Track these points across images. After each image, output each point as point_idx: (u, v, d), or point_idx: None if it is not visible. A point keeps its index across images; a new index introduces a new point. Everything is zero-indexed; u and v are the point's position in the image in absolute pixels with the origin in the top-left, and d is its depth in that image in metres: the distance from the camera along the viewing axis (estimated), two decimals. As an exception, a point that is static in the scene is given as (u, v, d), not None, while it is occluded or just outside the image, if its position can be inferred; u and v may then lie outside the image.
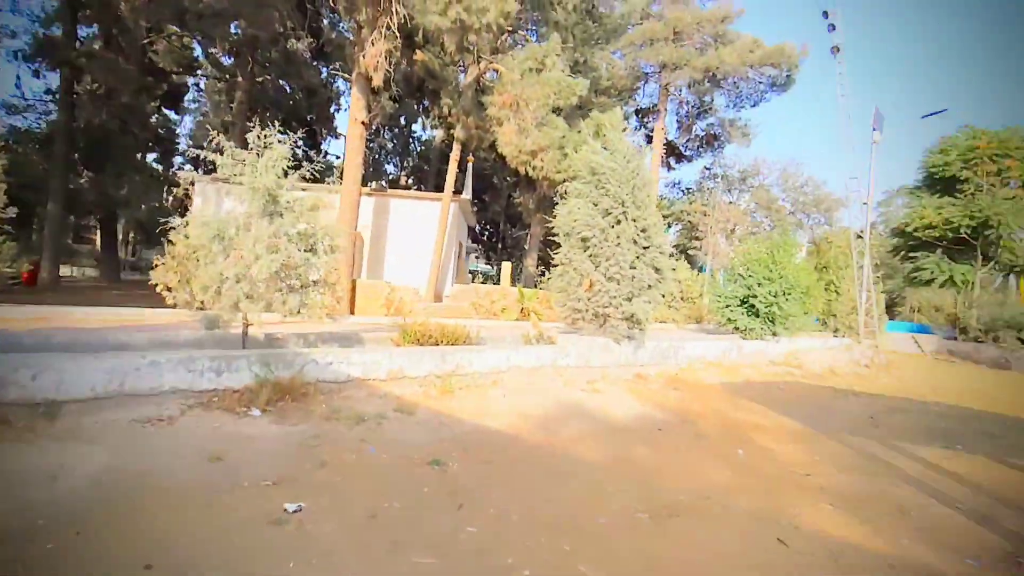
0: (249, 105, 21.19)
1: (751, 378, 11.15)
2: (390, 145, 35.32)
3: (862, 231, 20.17)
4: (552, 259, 9.69)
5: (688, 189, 32.26)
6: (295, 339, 7.91)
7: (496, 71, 13.26)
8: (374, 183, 19.61)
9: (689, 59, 20.73)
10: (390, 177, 35.97)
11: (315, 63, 23.82)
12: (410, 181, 35.36)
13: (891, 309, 24.98)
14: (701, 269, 27.04)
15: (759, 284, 13.89)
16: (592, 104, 20.80)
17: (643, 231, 8.97)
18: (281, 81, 24.00)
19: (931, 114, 35.01)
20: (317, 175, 6.59)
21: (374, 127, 27.33)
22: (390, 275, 17.99)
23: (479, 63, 13.58)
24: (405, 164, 36.64)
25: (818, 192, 28.13)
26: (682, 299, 18.05)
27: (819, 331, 19.82)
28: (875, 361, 14.94)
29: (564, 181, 10.17)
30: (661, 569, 3.04)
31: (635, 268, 8.84)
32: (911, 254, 24.39)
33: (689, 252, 27.85)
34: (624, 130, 10.24)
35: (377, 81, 11.33)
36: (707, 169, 29.81)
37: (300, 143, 6.39)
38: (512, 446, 4.95)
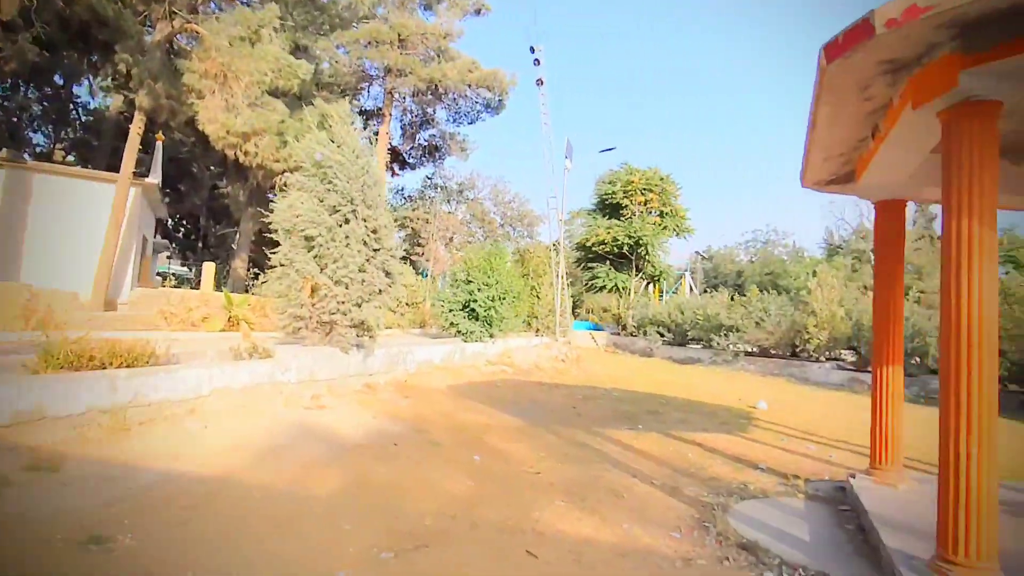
0: None
1: (473, 379, 11.67)
2: (37, 108, 26.82)
3: (557, 244, 23.45)
4: (268, 260, 8.43)
5: (411, 196, 32.94)
6: None
7: (197, 34, 11.06)
8: (3, 150, 14.40)
9: (414, 68, 21.07)
10: (38, 150, 27.37)
11: None
12: (70, 158, 27.50)
13: (574, 311, 29.71)
14: (423, 275, 27.81)
15: (479, 289, 14.75)
16: (314, 96, 19.38)
17: (374, 232, 8.48)
18: None
19: (605, 150, 43.16)
20: None
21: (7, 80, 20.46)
22: (31, 275, 13.49)
23: (171, 20, 11.13)
24: (63, 135, 28.29)
25: (523, 208, 31.97)
26: (407, 304, 18.08)
27: (524, 331, 22.29)
28: (569, 356, 17.39)
29: (284, 172, 8.96)
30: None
31: (365, 271, 8.28)
32: (589, 264, 29.46)
33: (412, 258, 28.34)
34: (352, 123, 9.61)
35: (7, 9, 8.20)
36: (428, 179, 31.00)
37: None
38: (219, 494, 3.90)
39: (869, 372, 12.76)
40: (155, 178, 15.83)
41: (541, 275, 22.75)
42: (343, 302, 8.00)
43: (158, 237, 23.77)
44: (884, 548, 3.28)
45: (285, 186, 8.45)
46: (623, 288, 28.67)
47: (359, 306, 8.14)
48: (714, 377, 16.94)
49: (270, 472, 4.49)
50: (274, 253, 8.16)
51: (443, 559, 3.28)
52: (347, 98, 25.11)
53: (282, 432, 5.65)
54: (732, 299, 23.82)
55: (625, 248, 27.31)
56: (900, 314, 4.83)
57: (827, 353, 19.28)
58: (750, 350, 21.04)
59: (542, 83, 17.20)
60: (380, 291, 8.64)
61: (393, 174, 27.94)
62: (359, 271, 8.19)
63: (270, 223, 8.17)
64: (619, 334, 27.86)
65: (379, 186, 8.67)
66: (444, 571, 3.14)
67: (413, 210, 29.19)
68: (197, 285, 20.62)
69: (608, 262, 29.31)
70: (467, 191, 31.67)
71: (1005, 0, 2.45)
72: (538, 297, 22.02)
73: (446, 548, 3.44)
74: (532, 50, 16.97)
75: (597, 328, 28.89)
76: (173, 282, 21.01)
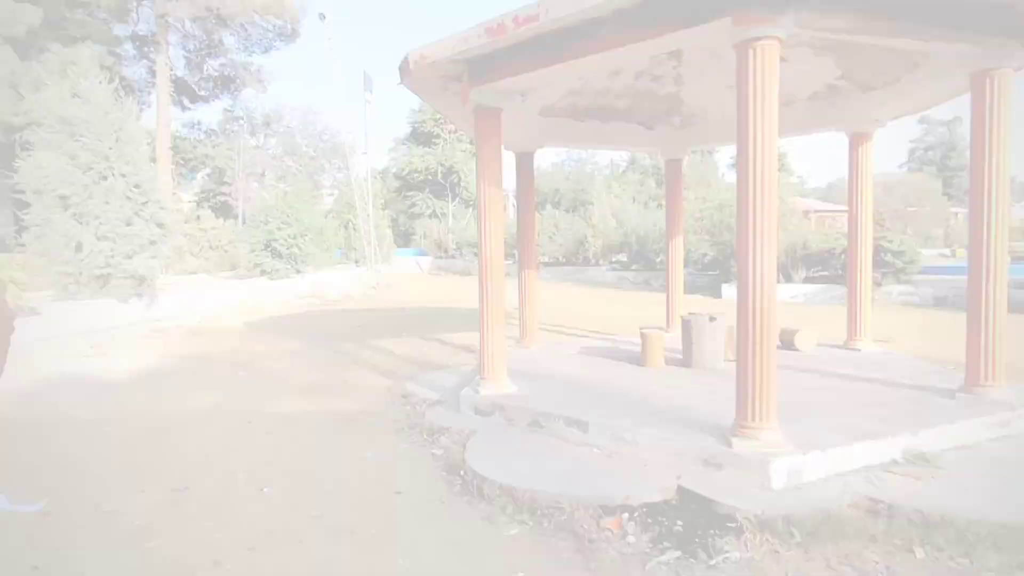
0: None
1: (274, 314, 12.64)
2: None
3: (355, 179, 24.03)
4: (23, 220, 8.49)
5: (212, 131, 30.56)
6: None
7: None
8: None
9: (184, -8, 19.41)
10: None
11: None
12: None
13: (408, 238, 30.84)
14: (237, 216, 26.72)
15: (279, 229, 15.34)
16: (64, 26, 17.24)
17: (136, 187, 8.88)
18: None
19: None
20: None
21: None
22: None
23: None
24: None
25: (336, 140, 31.38)
26: (211, 248, 17.94)
27: (341, 263, 23.15)
28: (380, 283, 18.84)
29: (27, 126, 8.77)
30: (189, 465, 4.03)
31: (132, 225, 8.76)
32: (407, 193, 30.49)
33: (219, 198, 26.98)
34: (112, 68, 9.48)
35: None
36: (228, 111, 28.89)
37: None
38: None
39: (634, 271, 15.98)
40: None
41: (357, 208, 23.39)
42: (112, 256, 8.49)
43: None
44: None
45: (27, 144, 8.39)
46: (442, 214, 30.34)
47: (130, 258, 8.68)
48: (510, 289, 19.53)
49: (37, 408, 5.45)
50: (26, 214, 8.26)
51: (185, 436, 4.71)
52: (112, 21, 22.36)
53: (48, 379, 6.46)
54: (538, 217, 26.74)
55: (439, 175, 28.69)
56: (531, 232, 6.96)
57: (606, 258, 23.01)
58: (547, 261, 24.23)
59: (324, 17, 17.18)
60: (153, 242, 9.18)
61: (184, 108, 25.77)
62: (126, 225, 8.66)
63: (16, 183, 8.20)
64: (442, 257, 29.80)
65: (136, 141, 8.94)
66: (180, 443, 4.57)
67: (214, 147, 27.38)
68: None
69: (427, 189, 30.58)
70: (274, 123, 30.22)
71: (470, 53, 4.16)
72: (355, 229, 22.83)
73: (185, 430, 4.86)
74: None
75: (423, 254, 30.45)
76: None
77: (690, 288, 17.94)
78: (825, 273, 15.54)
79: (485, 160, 4.71)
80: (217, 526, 3.17)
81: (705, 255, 18.41)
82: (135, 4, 21.75)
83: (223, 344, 9.06)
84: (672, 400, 4.43)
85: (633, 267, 21.33)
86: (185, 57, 24.31)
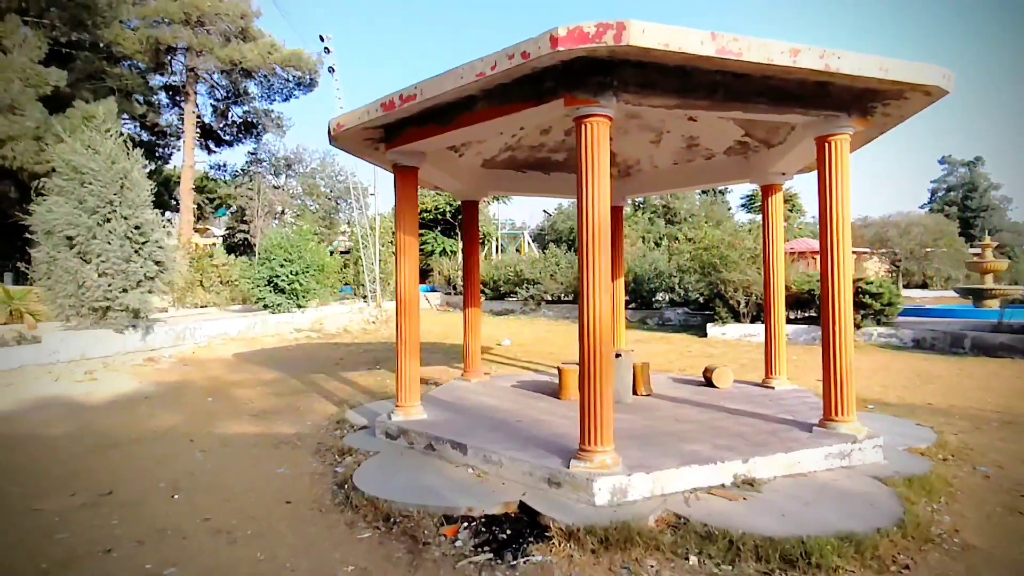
0: None
1: (268, 346, 13.38)
2: None
3: (372, 218, 25.15)
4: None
5: (238, 173, 32.40)
6: None
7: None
8: None
9: (212, 48, 21.15)
10: None
11: None
12: None
13: (425, 275, 31.64)
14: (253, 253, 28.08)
15: (280, 266, 16.27)
16: (105, 76, 19.00)
17: (137, 228, 9.81)
18: None
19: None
20: None
21: None
22: None
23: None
24: None
25: (351, 180, 32.86)
26: (221, 283, 18.98)
27: (350, 299, 24.07)
28: (379, 318, 19.58)
29: (48, 174, 9.84)
30: (123, 475, 4.62)
31: (131, 263, 9.65)
32: (420, 231, 31.58)
33: (240, 235, 28.44)
34: (146, 116, 10.58)
35: None
36: (252, 154, 30.71)
37: None
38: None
39: (631, 309, 16.38)
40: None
41: (367, 246, 24.42)
42: (109, 290, 9.36)
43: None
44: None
45: (44, 189, 9.42)
46: (452, 252, 31.26)
47: (125, 292, 9.54)
48: (511, 324, 20.04)
49: (14, 426, 6.15)
50: (37, 252, 9.23)
51: (131, 451, 5.31)
52: (148, 71, 24.31)
53: (35, 401, 7.20)
54: (542, 255, 27.41)
55: (448, 215, 29.71)
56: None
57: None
58: (549, 298, 24.74)
59: (333, 71, 18.54)
60: (152, 277, 10.05)
61: (210, 151, 27.56)
62: (125, 262, 9.55)
63: (29, 225, 9.20)
64: (451, 294, 30.56)
65: (139, 187, 9.92)
66: (124, 457, 5.17)
67: (237, 187, 29.06)
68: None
69: (439, 228, 31.64)
70: (295, 165, 31.94)
71: (374, 123, 4.85)
72: (363, 266, 23.80)
73: (137, 446, 5.46)
74: (322, 39, 18.17)
75: (432, 290, 31.29)
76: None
77: (684, 327, 18.24)
78: (808, 314, 15.70)
79: (402, 211, 5.36)
80: (120, 524, 3.72)
81: (701, 295, 18.68)
82: (169, 58, 23.64)
83: (206, 372, 9.76)
84: (555, 428, 4.86)
85: (631, 306, 21.66)
86: (212, 105, 26.19)
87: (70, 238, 9.15)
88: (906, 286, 34.63)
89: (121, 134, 9.79)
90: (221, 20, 21.14)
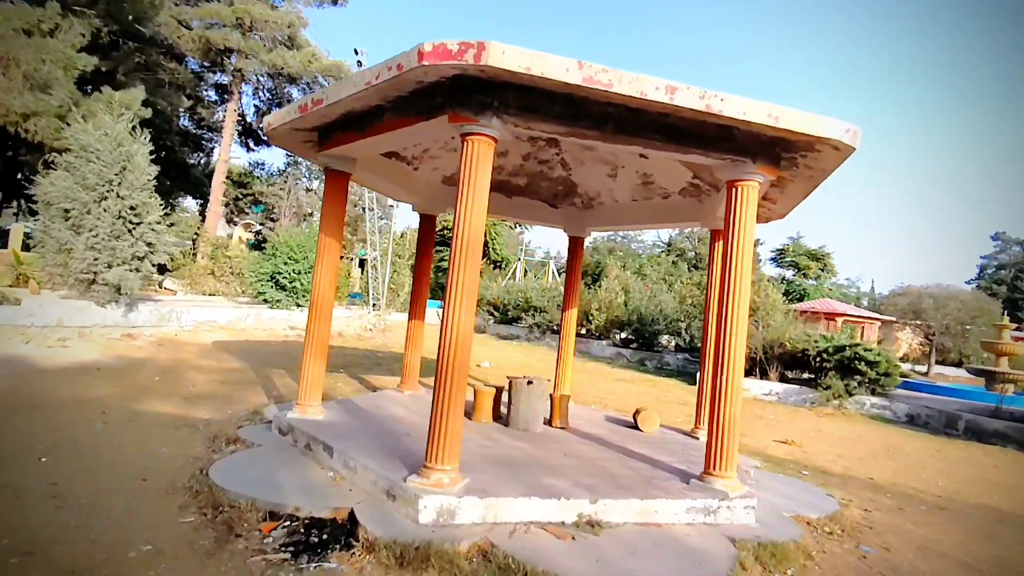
0: None
1: (252, 338, 13.65)
2: None
3: (403, 232, 25.64)
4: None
5: (274, 173, 33.73)
6: None
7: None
8: None
9: (258, 52, 22.29)
10: None
11: None
12: None
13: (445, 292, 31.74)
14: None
15: (284, 263, 16.71)
16: (160, 68, 20.28)
17: (132, 208, 10.28)
18: None
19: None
20: None
21: None
22: None
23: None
24: None
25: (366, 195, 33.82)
26: (232, 274, 19.59)
27: (359, 305, 24.47)
28: (377, 327, 19.79)
29: (65, 150, 10.46)
30: (13, 435, 4.79)
31: (120, 240, 10.09)
32: (438, 248, 32.01)
33: (264, 232, 29.40)
34: (194, 109, 11.21)
35: None
36: (289, 155, 31.87)
37: None
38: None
39: (632, 349, 16.17)
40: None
41: (384, 256, 24.89)
42: (95, 264, 9.79)
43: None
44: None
45: (52, 164, 10.02)
46: (468, 271, 31.42)
47: (110, 267, 9.95)
48: (508, 349, 19.95)
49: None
50: (36, 220, 9.77)
51: (44, 415, 5.49)
52: (205, 70, 25.69)
53: (3, 358, 7.52)
54: (554, 282, 27.32)
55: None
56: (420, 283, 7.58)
57: (610, 333, 23.08)
58: (555, 328, 24.54)
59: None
60: (141, 258, 10.48)
61: (248, 149, 28.80)
62: (115, 239, 10.00)
63: (33, 195, 9.76)
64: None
65: (140, 171, 10.43)
66: (29, 420, 5.34)
67: (269, 185, 30.19)
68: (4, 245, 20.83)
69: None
70: (330, 170, 32.95)
71: (296, 124, 5.00)
72: (377, 276, 24.22)
73: (53, 411, 5.64)
74: (356, 52, 18.90)
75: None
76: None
77: (679, 373, 17.80)
78: (805, 375, 15.10)
79: (327, 214, 5.47)
80: (-28, 476, 3.84)
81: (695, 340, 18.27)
82: (220, 59, 24.96)
83: (174, 354, 10.02)
84: (436, 445, 4.79)
85: (632, 345, 21.29)
86: (256, 106, 27.46)
87: (66, 211, 9.66)
88: (940, 362, 33.00)
89: (142, 121, 10.35)
90: (270, 27, 22.27)
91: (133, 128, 10.31)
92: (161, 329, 11.74)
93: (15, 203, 35.36)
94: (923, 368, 25.45)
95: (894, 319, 29.61)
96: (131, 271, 10.22)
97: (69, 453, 4.51)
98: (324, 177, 5.55)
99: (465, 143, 3.86)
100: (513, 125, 3.86)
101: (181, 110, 26.17)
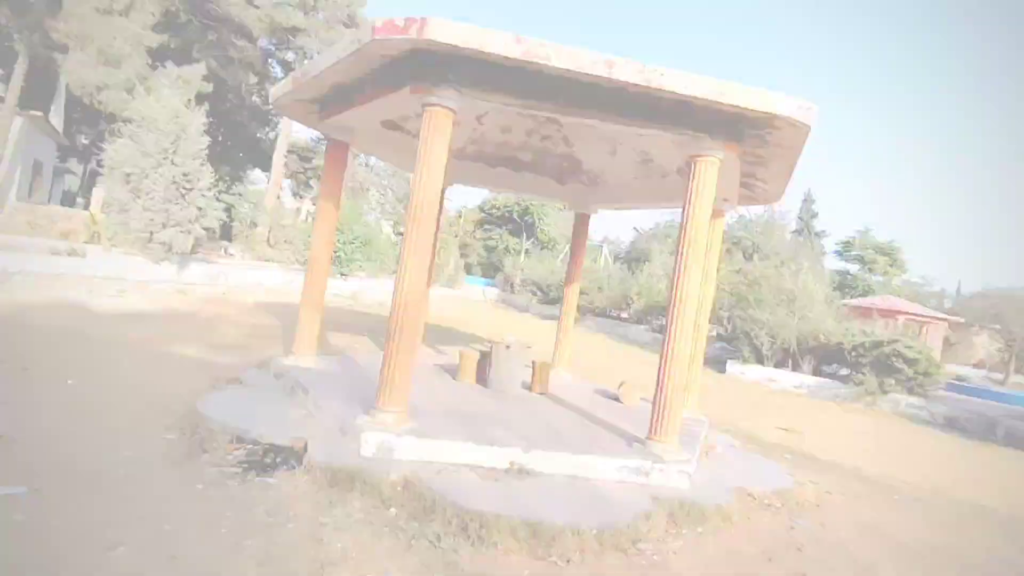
0: None
1: (294, 301, 14.57)
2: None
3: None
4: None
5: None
6: None
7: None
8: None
9: (320, 31, 23.24)
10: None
11: None
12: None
13: (497, 270, 32.05)
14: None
15: (329, 233, 17.60)
16: (225, 48, 21.64)
17: (185, 175, 11.24)
18: None
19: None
20: None
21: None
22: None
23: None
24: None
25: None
26: (286, 242, 20.79)
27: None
28: (416, 299, 20.54)
29: (131, 120, 11.54)
30: (56, 360, 5.60)
31: (173, 203, 11.07)
32: (487, 227, 32.50)
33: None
34: (262, 85, 12.09)
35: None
36: (349, 131, 33.10)
37: None
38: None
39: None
40: (58, 115, 17.95)
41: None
42: (151, 224, 10.81)
43: (58, 161, 25.36)
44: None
45: (118, 132, 11.08)
46: (515, 251, 31.86)
47: (164, 227, 10.96)
48: (544, 327, 20.18)
49: (24, 316, 7.44)
50: (101, 183, 10.87)
51: (81, 346, 6.30)
52: (282, 47, 26.97)
53: (55, 301, 8.57)
54: (603, 266, 27.26)
55: (515, 214, 30.33)
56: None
57: (645, 319, 22.86)
58: (595, 311, 24.55)
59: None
60: (191, 221, 11.46)
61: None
62: (168, 203, 10.98)
63: (100, 161, 10.87)
64: (507, 291, 31.10)
65: (195, 140, 11.34)
66: (75, 348, 6.15)
67: (328, 160, 31.53)
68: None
69: (506, 227, 32.38)
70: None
71: (294, 96, 5.43)
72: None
73: (97, 345, 6.46)
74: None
75: (492, 285, 31.96)
76: (81, 203, 23.21)
77: (710, 361, 17.53)
78: (842, 371, 14.54)
79: (327, 181, 5.93)
80: (9, 394, 4.57)
81: (734, 329, 17.89)
82: (286, 37, 26.13)
83: (217, 310, 10.93)
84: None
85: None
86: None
87: (127, 175, 10.70)
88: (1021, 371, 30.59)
89: (212, 96, 11.24)
90: (331, 6, 23.12)
91: (189, 101, 11.21)
92: (210, 289, 12.78)
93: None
94: (1000, 375, 23.65)
95: (961, 319, 27.55)
96: (183, 232, 11.21)
97: (93, 379, 5.22)
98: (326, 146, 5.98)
99: (425, 114, 4.14)
100: (470, 97, 4.11)
101: (248, 86, 27.68)
